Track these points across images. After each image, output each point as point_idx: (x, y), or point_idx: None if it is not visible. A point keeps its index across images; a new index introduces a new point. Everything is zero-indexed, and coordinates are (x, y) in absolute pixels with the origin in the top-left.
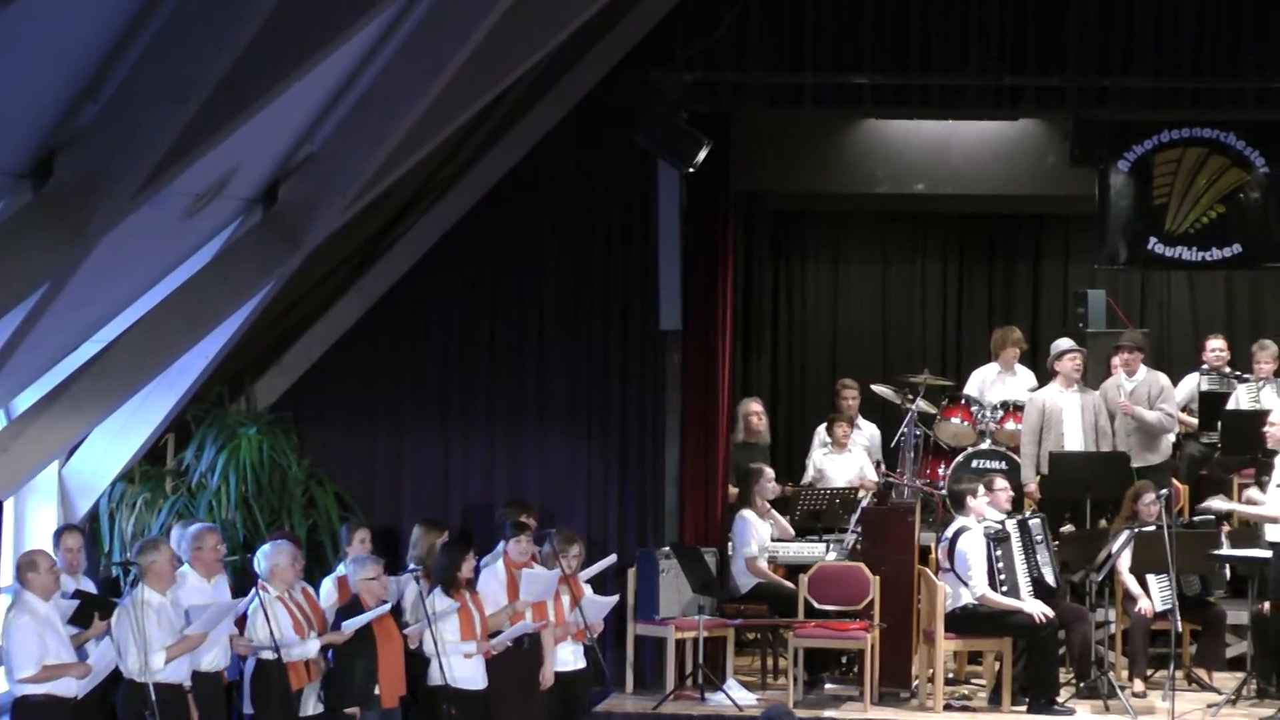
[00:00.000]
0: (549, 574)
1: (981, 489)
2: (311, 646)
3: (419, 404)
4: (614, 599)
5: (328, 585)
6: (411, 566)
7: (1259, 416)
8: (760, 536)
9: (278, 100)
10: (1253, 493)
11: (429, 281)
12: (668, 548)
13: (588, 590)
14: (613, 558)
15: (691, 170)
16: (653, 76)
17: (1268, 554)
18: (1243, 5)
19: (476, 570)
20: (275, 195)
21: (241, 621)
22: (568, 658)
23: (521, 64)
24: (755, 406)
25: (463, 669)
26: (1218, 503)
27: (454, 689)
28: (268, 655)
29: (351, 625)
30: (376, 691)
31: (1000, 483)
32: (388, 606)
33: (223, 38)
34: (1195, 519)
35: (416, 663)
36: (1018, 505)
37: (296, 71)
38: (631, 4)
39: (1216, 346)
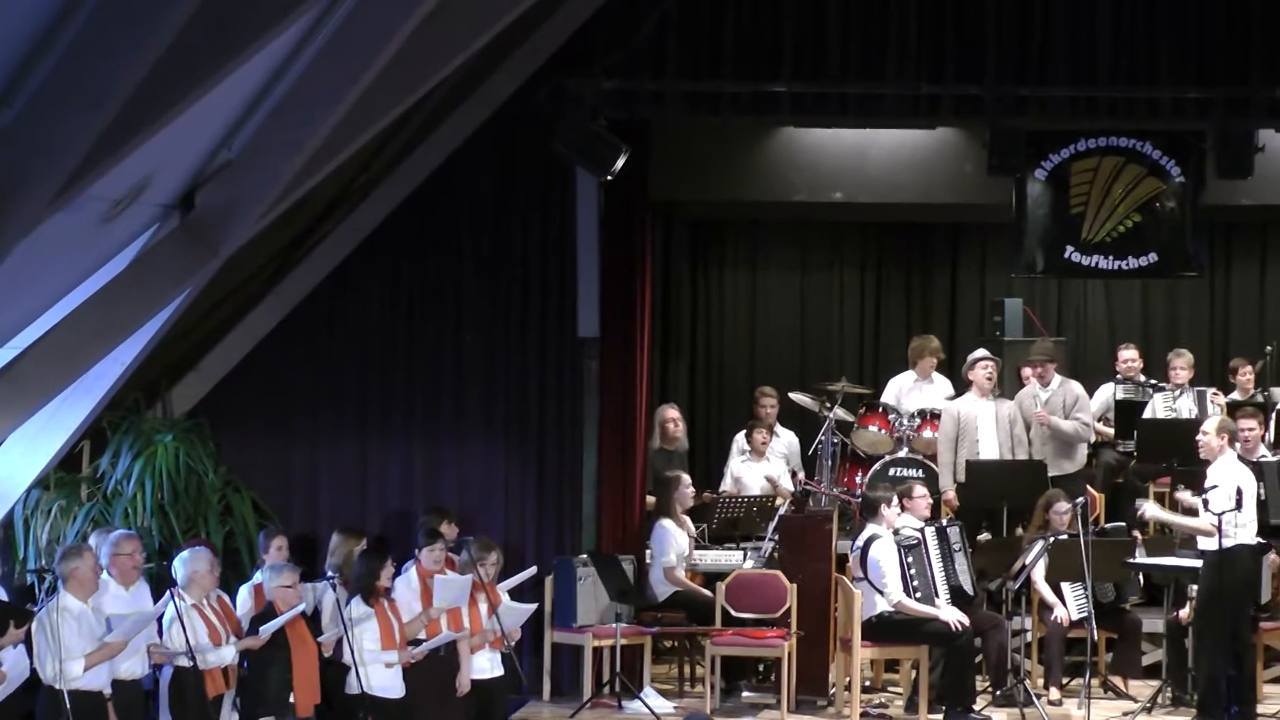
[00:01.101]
0: (462, 579)
1: (895, 497)
2: (227, 653)
3: (336, 411)
4: (531, 607)
5: (244, 593)
6: (329, 574)
7: (1175, 425)
8: (679, 545)
9: (194, 106)
10: (1184, 495)
11: (346, 288)
12: (585, 555)
13: (505, 598)
14: (533, 569)
15: (610, 178)
16: (571, 84)
17: (1182, 563)
18: (1158, 16)
19: (393, 578)
20: (192, 201)
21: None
22: (485, 665)
23: (439, 71)
24: (673, 413)
25: (380, 678)
26: (1152, 509)
27: (371, 697)
28: (184, 663)
29: (267, 629)
30: (291, 700)
31: (919, 490)
32: (301, 607)
33: (139, 44)
34: (1108, 527)
35: (333, 671)
36: (935, 513)
37: (213, 78)
38: (550, 12)
39: (1129, 356)
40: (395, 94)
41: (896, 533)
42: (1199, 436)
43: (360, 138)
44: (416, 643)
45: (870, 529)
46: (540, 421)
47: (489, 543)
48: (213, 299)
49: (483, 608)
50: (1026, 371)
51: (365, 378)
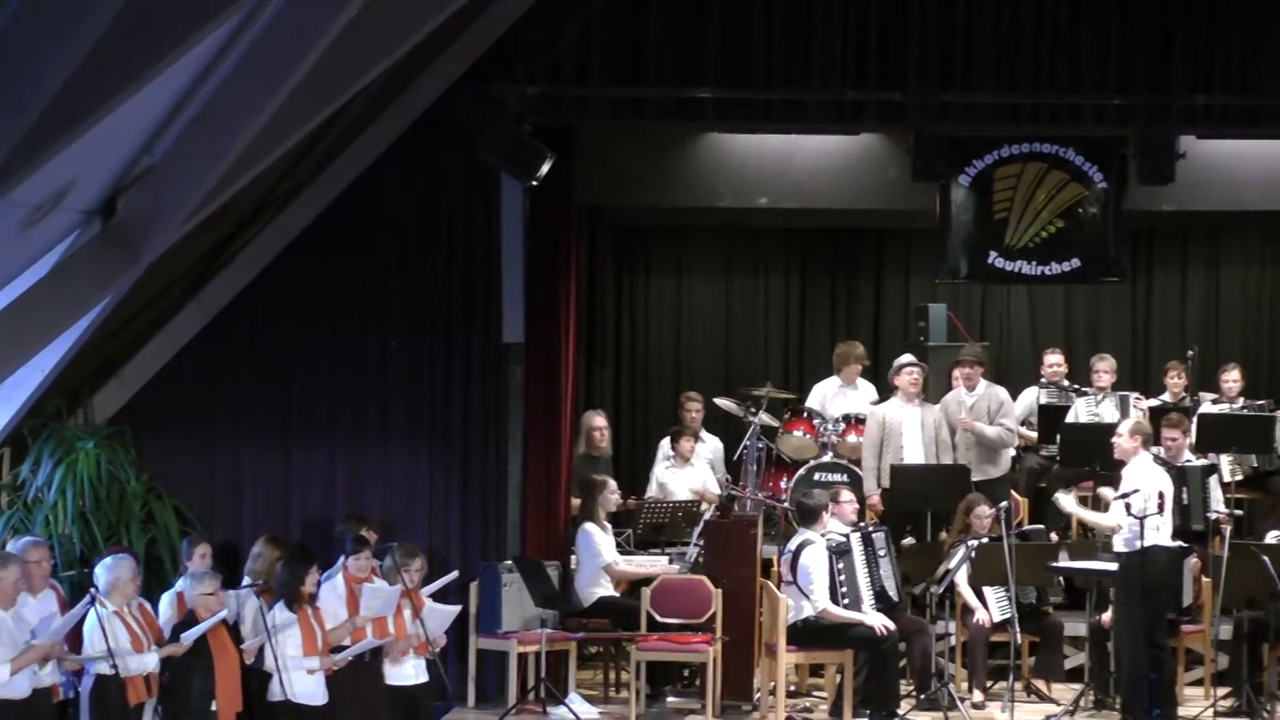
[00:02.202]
0: (390, 589)
1: (830, 504)
2: (149, 660)
3: (259, 418)
4: (455, 609)
5: (166, 601)
6: (248, 581)
7: (1097, 429)
8: (607, 546)
9: (116, 112)
10: (1106, 491)
11: (269, 294)
12: (510, 561)
13: (429, 602)
14: (455, 574)
15: (534, 184)
16: (495, 90)
17: (1104, 566)
18: (1081, 22)
19: (317, 585)
20: (114, 207)
21: (74, 636)
22: (409, 672)
23: (363, 77)
24: (599, 420)
25: (303, 684)
26: (1066, 501)
27: (294, 704)
28: (105, 670)
29: (189, 637)
30: (213, 708)
31: (846, 495)
32: (223, 614)
33: (60, 49)
34: (1029, 530)
35: (256, 678)
36: (860, 518)
37: (134, 84)
38: (474, 17)
39: (1054, 360)
40: (318, 100)
41: (826, 538)
42: (1114, 438)
43: (283, 144)
44: (340, 649)
45: (804, 534)
46: (465, 427)
47: (413, 549)
48: (135, 305)
49: (406, 613)
50: (956, 374)
51: (288, 384)
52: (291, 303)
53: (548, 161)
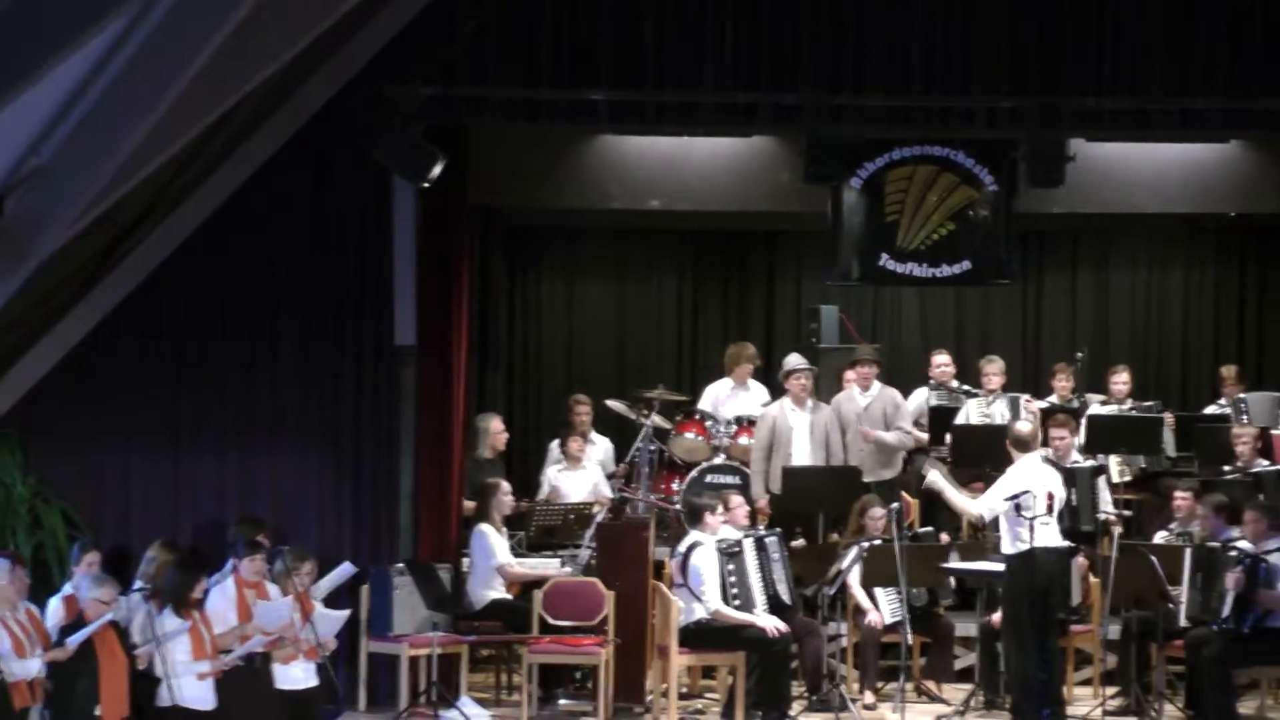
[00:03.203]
0: (284, 604)
1: (720, 505)
2: (33, 665)
3: (149, 420)
4: (345, 613)
5: (54, 605)
6: (138, 585)
7: (989, 431)
8: (501, 548)
9: (3, 112)
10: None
11: (160, 296)
12: (402, 564)
13: (319, 606)
14: (348, 565)
15: (427, 185)
16: (388, 91)
17: (994, 567)
18: (972, 26)
19: (205, 591)
20: (2, 208)
21: None
22: (300, 675)
23: (254, 78)
24: (500, 424)
25: (192, 689)
26: (934, 476)
27: (183, 709)
28: None
29: (74, 640)
30: (98, 712)
31: (737, 499)
32: (109, 617)
33: None
34: (917, 531)
35: (146, 683)
36: (751, 520)
37: (23, 83)
38: (367, 18)
39: (942, 362)
40: (209, 101)
41: (717, 540)
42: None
43: (174, 144)
44: (227, 651)
45: (693, 536)
46: (356, 430)
47: (304, 552)
48: (22, 307)
49: (296, 617)
50: (849, 375)
51: (178, 387)
52: (182, 304)
53: (440, 163)
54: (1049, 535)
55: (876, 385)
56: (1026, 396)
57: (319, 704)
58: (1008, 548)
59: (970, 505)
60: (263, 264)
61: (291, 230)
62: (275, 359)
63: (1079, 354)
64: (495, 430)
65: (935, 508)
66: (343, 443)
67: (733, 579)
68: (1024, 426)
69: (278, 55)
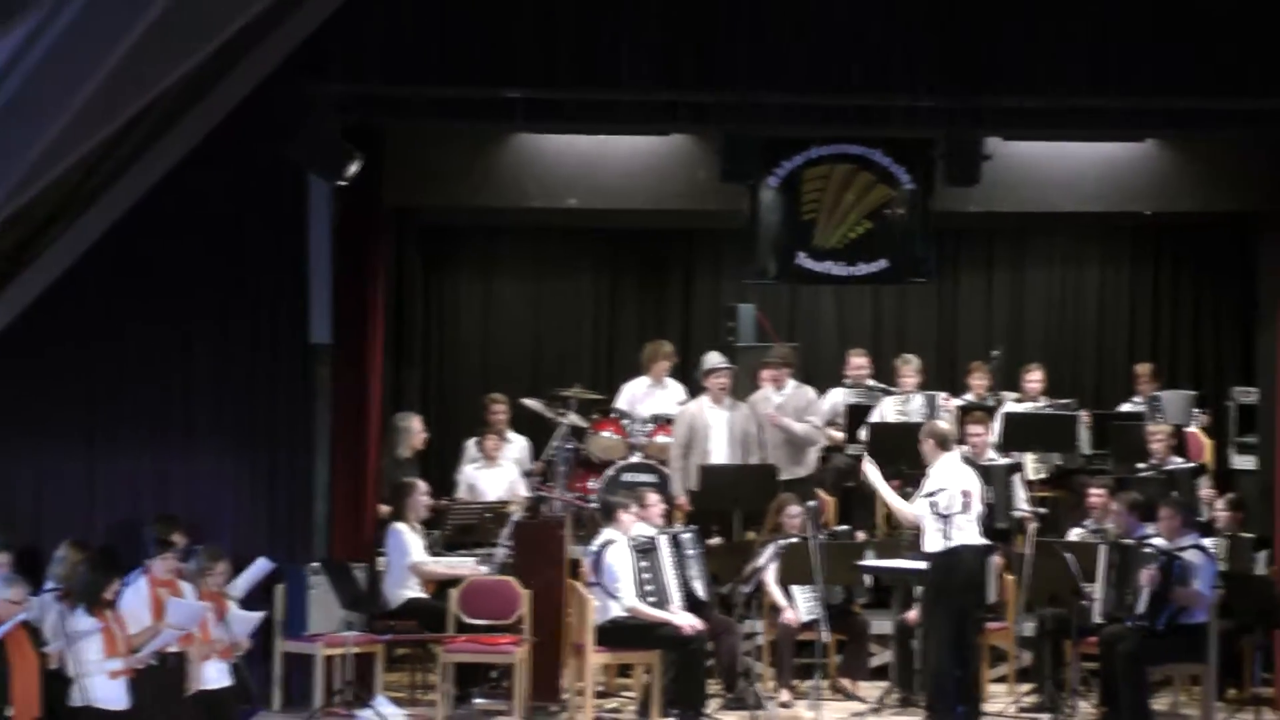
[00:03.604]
0: (197, 605)
1: (634, 504)
2: None
3: (62, 421)
4: (260, 614)
5: None
6: (50, 585)
7: (905, 429)
8: (417, 547)
9: None
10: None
11: (74, 295)
12: (317, 564)
13: (233, 607)
14: (265, 560)
15: (343, 184)
16: (304, 89)
17: (910, 565)
18: (890, 24)
19: (118, 592)
20: None
21: None
22: (214, 675)
23: (169, 75)
24: (419, 424)
25: (105, 689)
26: (872, 471)
27: (95, 709)
28: None
29: None
30: (9, 713)
31: (652, 497)
32: (20, 617)
33: None
34: (833, 529)
35: (58, 683)
36: (668, 518)
37: None
38: (283, 16)
39: (858, 361)
40: (124, 99)
41: (631, 538)
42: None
43: (89, 142)
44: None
45: (606, 534)
46: (271, 429)
47: (217, 551)
48: None
49: (210, 617)
50: (764, 375)
51: (92, 385)
52: (96, 302)
53: (356, 162)
54: (972, 533)
55: (791, 383)
56: (944, 395)
57: (233, 704)
58: (932, 546)
59: (905, 507)
60: (177, 263)
61: (206, 229)
62: (190, 358)
63: (995, 352)
64: (415, 430)
65: (852, 506)
66: (258, 442)
67: (647, 576)
68: (946, 425)
69: (193, 52)
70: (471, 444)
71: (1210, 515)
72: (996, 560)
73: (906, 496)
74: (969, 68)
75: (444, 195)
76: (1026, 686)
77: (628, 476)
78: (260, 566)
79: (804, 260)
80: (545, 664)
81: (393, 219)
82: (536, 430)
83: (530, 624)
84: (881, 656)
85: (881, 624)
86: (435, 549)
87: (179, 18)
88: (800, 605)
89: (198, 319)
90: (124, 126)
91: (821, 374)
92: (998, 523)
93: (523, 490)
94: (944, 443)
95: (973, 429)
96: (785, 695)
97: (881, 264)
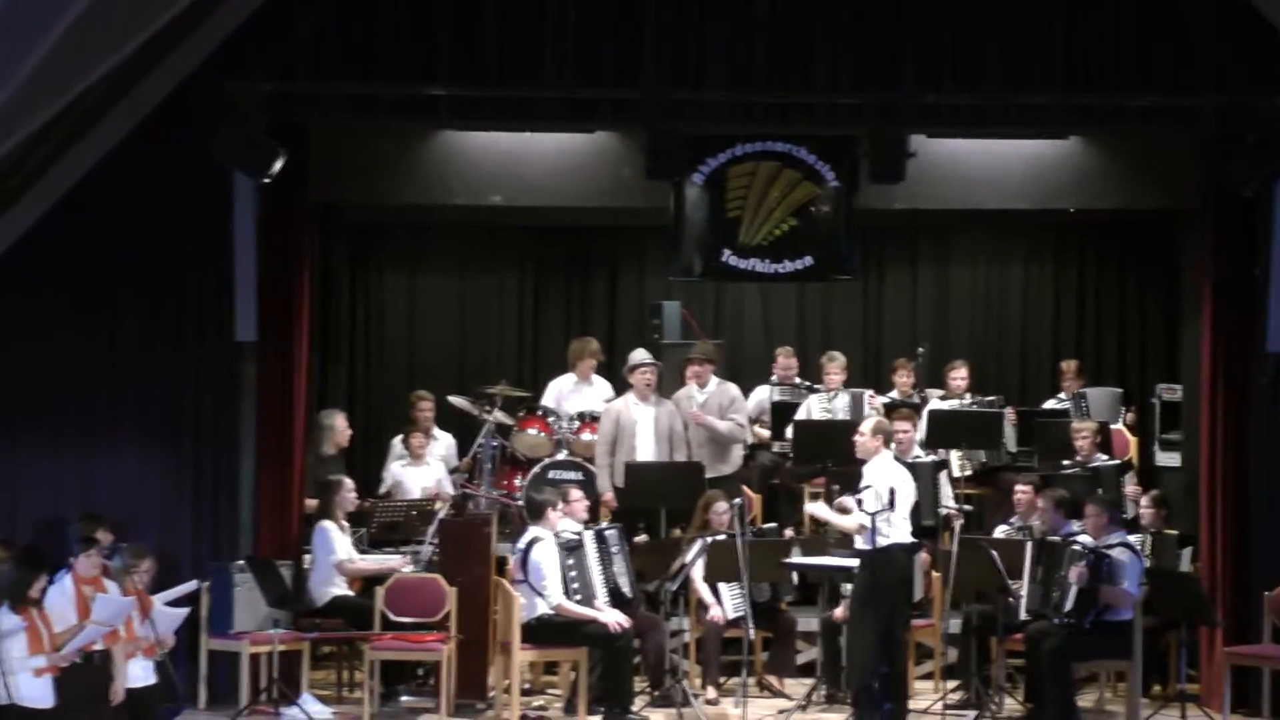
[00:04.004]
0: (123, 600)
1: (560, 500)
2: None
3: None
4: (185, 610)
5: None
6: None
7: (830, 426)
8: (344, 544)
9: None
10: (845, 500)
11: None
12: (242, 561)
13: (157, 603)
14: (194, 583)
15: (268, 181)
16: (228, 86)
17: (836, 562)
18: (813, 21)
19: (43, 591)
20: None
21: None
22: (139, 673)
23: (91, 74)
24: (344, 422)
25: (30, 687)
26: (818, 509)
27: (20, 708)
28: None
29: None
30: None
31: (576, 494)
32: None
33: None
34: (760, 526)
35: None
36: (594, 516)
37: None
38: (206, 13)
39: (785, 361)
40: (47, 96)
41: (557, 535)
42: (856, 437)
43: (10, 139)
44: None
45: (533, 531)
46: (197, 427)
47: (142, 549)
48: None
49: (135, 615)
50: (688, 372)
51: (17, 383)
52: (20, 300)
53: (280, 159)
54: (904, 532)
55: (714, 380)
56: (870, 392)
57: (158, 702)
58: (865, 543)
59: (848, 521)
60: (102, 260)
61: (132, 226)
62: (115, 355)
63: (920, 349)
64: (339, 427)
65: (777, 503)
66: (183, 439)
67: (573, 573)
68: (884, 422)
69: (114, 51)
70: (398, 441)
71: (1135, 512)
72: (922, 557)
73: (833, 496)
74: (892, 65)
75: (369, 192)
76: (952, 683)
77: (554, 474)
78: (186, 588)
79: (729, 258)
80: (471, 661)
81: (318, 216)
82: (463, 428)
83: (456, 621)
84: (808, 653)
85: (808, 621)
86: (361, 546)
87: (102, 15)
88: (727, 602)
89: (122, 317)
90: (46, 125)
91: (747, 371)
92: (924, 520)
93: (449, 488)
94: (888, 440)
95: (899, 426)
96: (711, 692)
97: (806, 261)
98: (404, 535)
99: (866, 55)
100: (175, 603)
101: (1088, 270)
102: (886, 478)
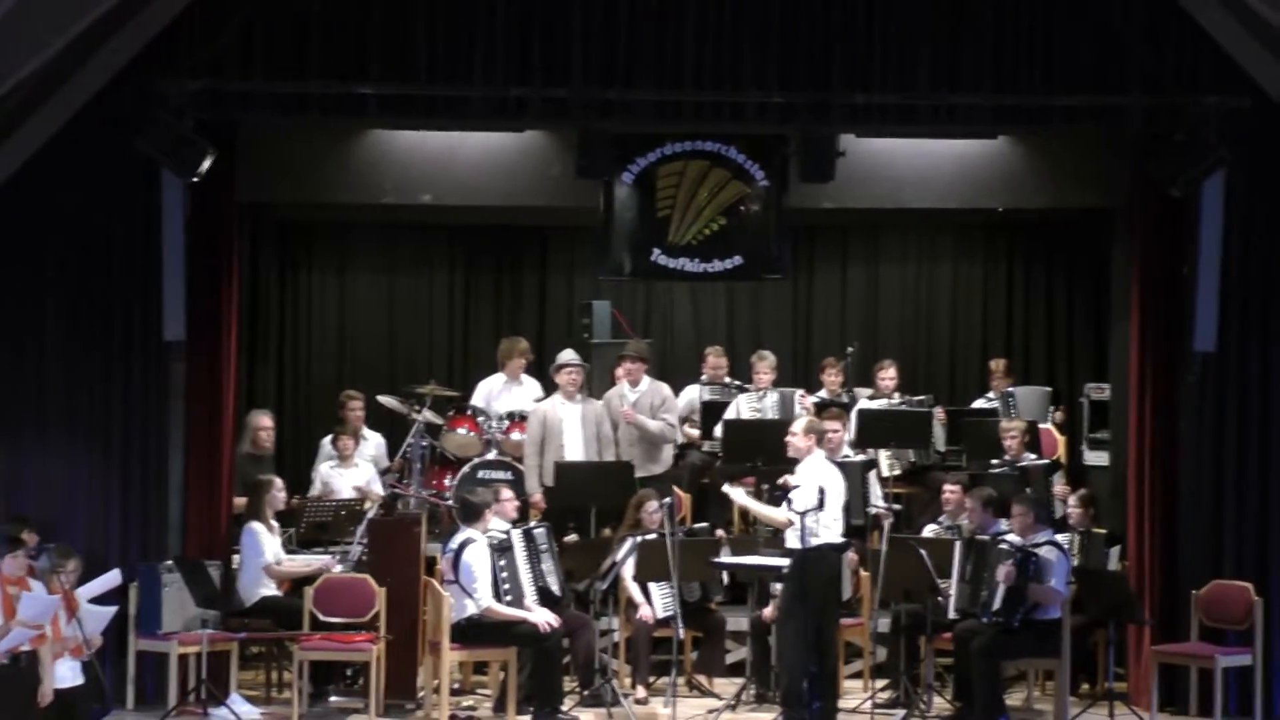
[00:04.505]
0: (49, 598)
1: (494, 501)
2: None
3: None
4: (112, 609)
5: None
6: None
7: (759, 425)
8: (273, 546)
9: None
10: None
11: None
12: (170, 561)
13: (85, 603)
14: (116, 573)
15: (196, 179)
16: (157, 84)
17: (766, 561)
18: (742, 21)
19: None
20: None
21: None
22: (66, 674)
23: (18, 72)
24: (266, 420)
25: None
26: (735, 493)
27: None
28: None
29: None
30: None
31: (506, 493)
32: None
33: None
34: (690, 525)
35: None
36: (524, 515)
37: None
38: (135, 10)
39: (715, 360)
40: None
41: (489, 535)
42: (788, 437)
43: None
44: None
45: (465, 532)
46: (124, 426)
47: (68, 549)
48: None
49: (62, 615)
50: (619, 370)
51: None
52: None
53: (209, 157)
54: (835, 532)
55: (646, 380)
56: (800, 392)
57: (86, 702)
58: (793, 543)
59: (776, 513)
60: (29, 258)
61: (58, 224)
62: (42, 354)
63: (850, 349)
64: (259, 426)
65: (707, 502)
66: (111, 439)
67: (504, 574)
68: (816, 422)
69: (42, 48)
70: (326, 442)
71: (1064, 511)
72: (851, 557)
73: (761, 494)
74: (822, 65)
75: (298, 191)
76: (882, 682)
77: (483, 474)
78: (110, 578)
79: (659, 257)
80: (401, 662)
81: (247, 215)
82: (392, 427)
83: (385, 622)
84: (738, 653)
85: (738, 620)
86: (290, 546)
87: (30, 11)
88: (657, 602)
89: (50, 316)
90: None
91: (677, 370)
92: (853, 519)
93: (378, 488)
94: (820, 439)
95: (829, 425)
96: (641, 692)
97: (736, 260)
98: (333, 535)
99: (795, 55)
100: (102, 601)
101: (1016, 269)
102: (817, 477)
